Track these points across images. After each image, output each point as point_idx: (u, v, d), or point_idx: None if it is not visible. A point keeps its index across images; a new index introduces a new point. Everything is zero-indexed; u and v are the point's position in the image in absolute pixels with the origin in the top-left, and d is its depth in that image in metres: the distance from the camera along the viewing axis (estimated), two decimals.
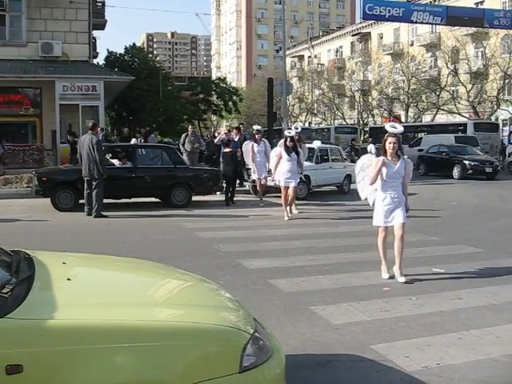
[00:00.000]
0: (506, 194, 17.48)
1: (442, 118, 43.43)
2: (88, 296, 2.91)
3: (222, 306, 3.20)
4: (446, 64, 42.90)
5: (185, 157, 15.87)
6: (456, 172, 23.43)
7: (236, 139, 16.96)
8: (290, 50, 75.74)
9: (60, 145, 19.90)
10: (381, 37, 60.73)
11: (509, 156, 29.99)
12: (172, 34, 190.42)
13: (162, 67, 53.17)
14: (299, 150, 12.47)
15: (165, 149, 14.65)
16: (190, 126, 18.28)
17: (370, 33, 63.24)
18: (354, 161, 20.96)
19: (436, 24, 25.91)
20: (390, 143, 6.69)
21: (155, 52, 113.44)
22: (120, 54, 47.44)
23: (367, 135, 42.01)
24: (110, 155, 13.53)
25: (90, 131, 12.02)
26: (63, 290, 2.94)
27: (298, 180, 12.49)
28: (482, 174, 23.01)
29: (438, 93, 43.45)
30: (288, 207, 12.04)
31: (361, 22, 62.23)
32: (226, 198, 14.30)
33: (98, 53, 34.45)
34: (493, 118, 39.59)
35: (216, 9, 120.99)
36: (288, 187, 11.91)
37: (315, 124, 55.25)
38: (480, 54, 43.53)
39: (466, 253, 8.64)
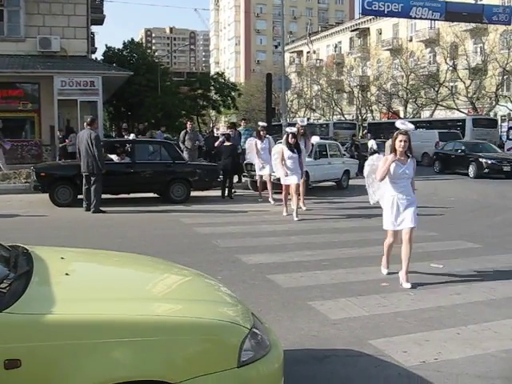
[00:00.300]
0: (504, 189, 17.48)
1: (440, 114, 43.44)
2: (86, 291, 2.91)
3: (221, 301, 3.20)
4: (445, 60, 42.86)
5: (185, 154, 15.81)
6: (472, 170, 21.83)
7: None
8: (289, 46, 75.61)
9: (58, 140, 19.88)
10: (380, 32, 60.62)
11: (507, 151, 30.02)
12: (170, 30, 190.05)
13: (160, 62, 53.14)
14: (302, 147, 12.08)
15: (163, 144, 14.65)
16: (188, 123, 18.14)
17: (368, 28, 63.12)
18: (353, 156, 21.05)
19: (435, 20, 25.88)
20: (401, 141, 6.32)
21: (154, 47, 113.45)
22: (118, 50, 47.42)
23: (366, 131, 41.98)
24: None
25: (88, 126, 11.99)
26: (61, 284, 2.94)
27: (302, 175, 12.05)
28: (500, 173, 21.27)
29: (436, 88, 43.44)
30: (289, 202, 11.73)
31: (360, 18, 62.16)
32: (222, 191, 14.35)
33: (96, 48, 34.36)
34: (491, 114, 39.58)
35: (215, 4, 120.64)
36: (289, 185, 11.61)
37: (314, 119, 55.13)
38: (479, 49, 43.48)
39: (465, 248, 8.65)
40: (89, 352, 2.46)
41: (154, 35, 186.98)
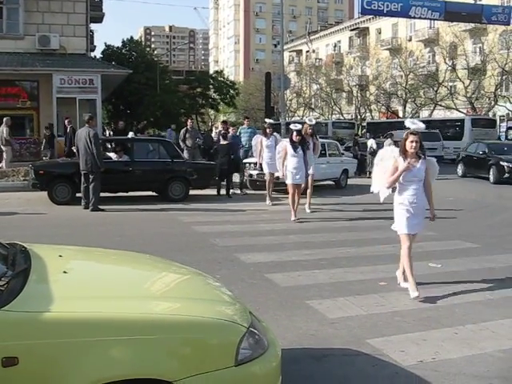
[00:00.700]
0: (502, 190, 17.48)
1: (439, 114, 43.45)
2: (84, 289, 2.91)
3: (219, 300, 3.20)
4: (444, 59, 42.87)
5: (186, 153, 15.76)
6: (492, 175, 19.55)
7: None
8: (288, 45, 75.53)
9: (57, 138, 19.85)
10: (379, 32, 60.62)
11: None
12: (170, 28, 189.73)
13: (159, 61, 53.08)
14: (310, 146, 11.63)
15: (162, 142, 14.65)
16: (189, 121, 18.07)
17: (368, 28, 63.12)
18: (357, 156, 21.13)
19: (434, 19, 25.88)
20: (412, 142, 5.86)
21: (153, 46, 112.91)
22: (117, 48, 47.32)
23: (364, 130, 41.98)
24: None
25: (86, 124, 11.97)
26: (59, 282, 2.94)
27: (311, 172, 11.67)
28: None
29: (435, 88, 43.44)
30: (296, 206, 11.14)
31: (359, 17, 62.11)
32: (217, 189, 14.39)
33: (95, 46, 34.35)
34: (490, 114, 39.60)
35: (214, 3, 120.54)
36: (296, 185, 11.10)
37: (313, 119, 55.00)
38: (478, 49, 43.48)
39: (463, 248, 8.65)
40: (87, 350, 2.46)
41: (153, 33, 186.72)
